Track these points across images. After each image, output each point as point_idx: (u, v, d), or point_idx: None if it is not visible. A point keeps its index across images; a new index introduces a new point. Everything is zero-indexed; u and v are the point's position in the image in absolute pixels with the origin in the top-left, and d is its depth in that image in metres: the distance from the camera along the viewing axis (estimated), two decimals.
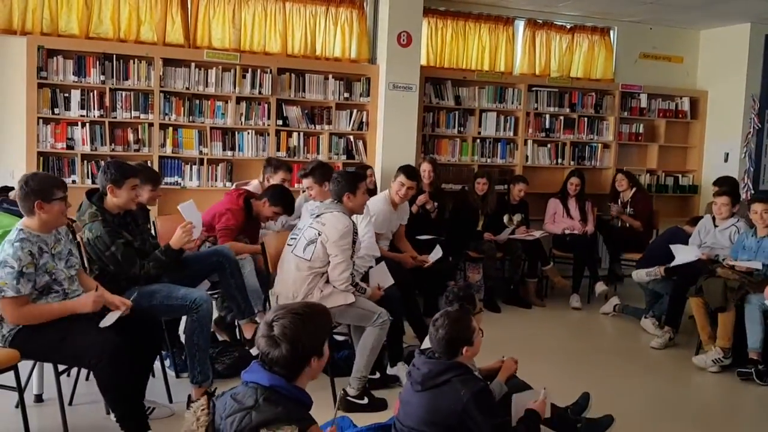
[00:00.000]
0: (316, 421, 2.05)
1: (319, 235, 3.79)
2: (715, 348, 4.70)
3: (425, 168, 5.98)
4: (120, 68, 5.67)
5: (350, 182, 3.90)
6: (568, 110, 7.27)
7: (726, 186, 5.64)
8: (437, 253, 5.15)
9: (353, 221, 3.90)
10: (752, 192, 7.32)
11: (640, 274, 5.53)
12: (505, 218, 6.36)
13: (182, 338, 3.91)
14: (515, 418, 2.87)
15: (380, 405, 3.78)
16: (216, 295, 4.41)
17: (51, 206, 3.02)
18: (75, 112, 5.60)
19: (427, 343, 2.83)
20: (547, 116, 7.19)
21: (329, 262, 3.76)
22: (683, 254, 5.21)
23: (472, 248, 6.11)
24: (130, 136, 5.77)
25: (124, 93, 5.71)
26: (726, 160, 7.60)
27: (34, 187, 3.02)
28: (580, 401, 3.61)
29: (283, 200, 4.59)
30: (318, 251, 3.78)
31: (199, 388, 3.55)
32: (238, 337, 4.50)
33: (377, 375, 4.09)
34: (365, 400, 3.78)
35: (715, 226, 5.36)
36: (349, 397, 3.77)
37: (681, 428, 3.82)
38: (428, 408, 2.64)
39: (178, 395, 3.79)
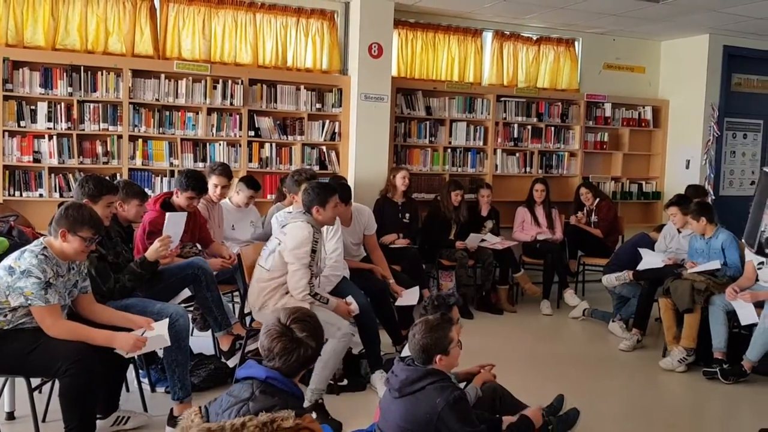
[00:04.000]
0: (310, 412, 2.11)
1: (279, 244, 3.84)
2: (678, 348, 4.86)
3: (403, 175, 6.03)
4: (88, 80, 5.61)
5: (320, 195, 3.90)
6: (535, 120, 7.41)
7: (674, 198, 5.75)
8: (413, 296, 4.89)
9: (321, 231, 3.93)
10: (713, 198, 7.54)
11: (609, 279, 5.68)
12: (488, 225, 6.50)
13: (159, 353, 3.89)
14: None
15: (334, 425, 3.67)
16: (191, 307, 4.39)
17: (73, 239, 3.00)
18: (42, 124, 5.51)
19: (407, 350, 2.87)
20: (516, 126, 7.31)
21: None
22: (650, 258, 5.41)
23: (444, 256, 6.20)
24: (99, 149, 5.71)
25: (92, 105, 5.65)
26: (687, 167, 7.82)
27: (70, 213, 3.01)
28: (554, 403, 3.68)
29: (190, 182, 4.35)
30: (277, 260, 3.83)
31: (181, 404, 3.53)
32: (214, 349, 4.48)
33: (345, 382, 4.13)
34: (313, 414, 3.70)
35: (679, 232, 5.58)
36: None
37: (650, 427, 3.92)
38: (405, 415, 2.67)
39: (154, 409, 3.76)
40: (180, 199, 4.39)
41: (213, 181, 4.81)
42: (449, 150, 7.03)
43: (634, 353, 5.26)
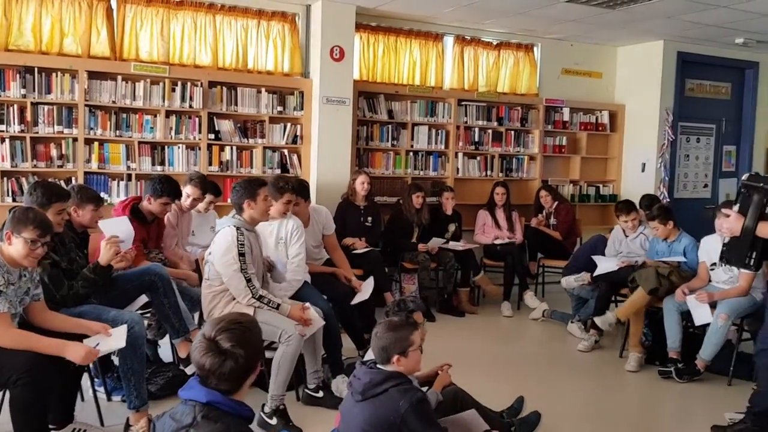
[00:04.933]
0: None
1: (210, 254, 3.83)
2: (635, 353, 5.00)
3: (363, 180, 6.04)
4: (42, 81, 5.47)
5: (249, 189, 3.84)
6: (496, 124, 7.49)
7: (621, 205, 5.88)
8: (368, 289, 4.98)
9: (254, 231, 3.88)
10: (668, 200, 7.71)
11: (569, 281, 5.78)
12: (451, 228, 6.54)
13: (115, 361, 3.82)
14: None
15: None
16: (147, 314, 4.31)
17: (17, 241, 2.91)
18: None
19: (370, 354, 2.87)
20: (476, 130, 7.38)
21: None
22: (604, 264, 5.53)
23: (407, 259, 6.22)
24: (53, 152, 5.57)
25: (46, 107, 5.51)
26: (643, 170, 7.99)
27: (15, 215, 2.93)
28: (515, 405, 3.74)
29: (165, 188, 4.32)
30: (211, 270, 3.81)
31: (137, 413, 3.47)
32: (172, 356, 4.41)
33: (321, 394, 4.07)
34: (274, 421, 3.69)
35: (626, 236, 5.74)
36: (262, 413, 3.71)
37: (607, 426, 3.99)
38: (368, 419, 2.66)
39: (110, 418, 3.69)
40: (153, 205, 4.34)
41: (187, 191, 4.74)
42: (411, 153, 7.06)
43: (593, 353, 5.35)
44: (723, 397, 4.41)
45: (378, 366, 2.77)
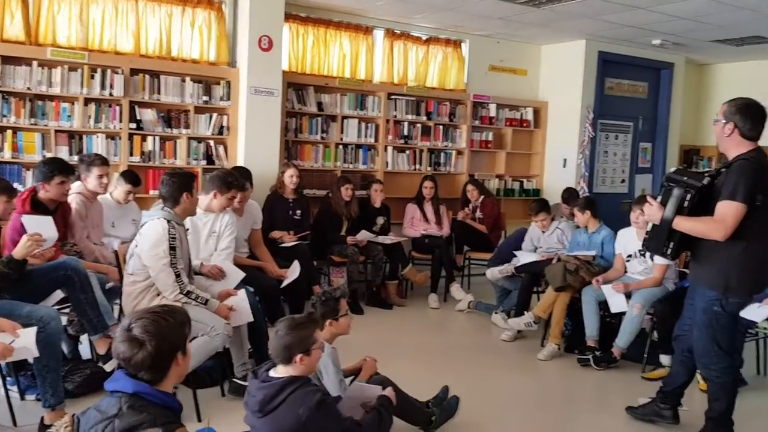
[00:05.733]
0: (183, 425, 1.98)
1: (136, 246, 3.70)
2: (552, 343, 5.16)
3: (291, 173, 5.98)
4: None
5: (187, 181, 3.78)
6: (424, 118, 7.57)
7: (533, 205, 6.06)
8: (295, 271, 5.10)
9: (183, 226, 3.80)
10: (587, 194, 7.98)
11: (493, 272, 5.92)
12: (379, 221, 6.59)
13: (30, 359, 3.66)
14: (354, 405, 2.98)
15: None
16: (65, 310, 4.15)
17: None
18: None
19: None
20: (406, 124, 7.43)
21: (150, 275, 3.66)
22: (525, 257, 5.74)
23: (335, 252, 6.21)
24: None
25: None
26: (564, 166, 8.26)
27: None
28: (440, 394, 3.80)
29: (55, 167, 4.12)
30: (137, 264, 3.68)
31: (53, 412, 3.33)
32: (91, 353, 4.26)
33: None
34: None
35: (543, 232, 5.95)
36: None
37: (528, 412, 4.12)
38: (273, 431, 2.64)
39: (23, 418, 3.53)
40: (50, 191, 4.10)
41: (96, 173, 4.54)
42: (341, 146, 7.05)
43: (515, 343, 5.50)
44: (637, 383, 4.61)
45: (271, 374, 2.73)
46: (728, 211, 3.16)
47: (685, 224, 3.29)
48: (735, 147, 3.31)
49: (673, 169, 3.50)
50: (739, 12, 6.23)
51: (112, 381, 2.00)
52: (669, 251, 3.38)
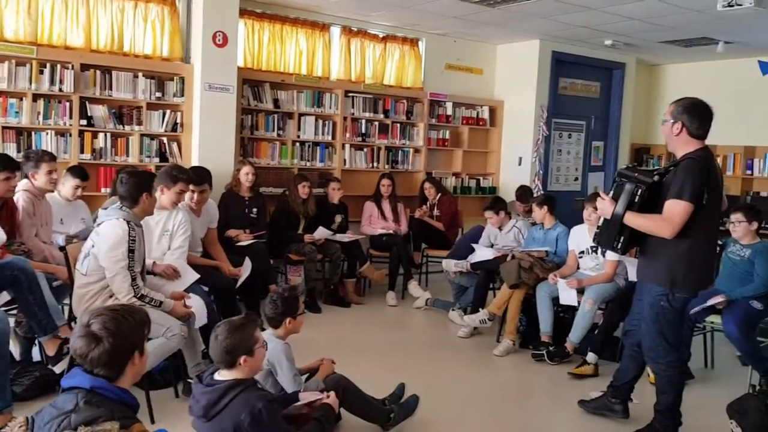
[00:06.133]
0: (140, 421, 1.98)
1: (93, 246, 3.60)
2: (507, 338, 5.22)
3: (247, 171, 5.92)
4: None
5: (147, 181, 3.70)
6: (382, 116, 7.57)
7: (487, 203, 6.18)
8: (246, 269, 5.10)
9: (141, 227, 3.72)
10: (542, 192, 8.11)
11: (449, 264, 5.98)
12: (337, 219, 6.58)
13: None
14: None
15: None
16: (12, 311, 4.03)
17: None
18: None
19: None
20: (363, 121, 7.43)
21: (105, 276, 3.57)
22: (481, 252, 5.82)
23: (293, 251, 6.17)
24: None
25: None
26: (520, 164, 8.37)
27: None
28: (396, 391, 3.82)
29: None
30: (92, 264, 3.58)
31: (1, 416, 3.22)
32: (40, 355, 4.16)
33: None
34: None
35: (500, 229, 6.02)
36: None
37: (484, 407, 4.17)
38: None
39: None
40: None
41: (45, 169, 4.42)
42: (298, 144, 7.00)
43: (471, 339, 5.56)
44: (590, 377, 4.69)
45: (215, 377, 2.70)
46: (675, 210, 3.24)
47: (634, 220, 3.37)
48: (683, 146, 3.39)
49: (624, 166, 3.57)
50: (688, 14, 6.40)
51: (68, 378, 2.00)
52: (619, 246, 3.46)
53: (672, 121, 3.39)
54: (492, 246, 5.99)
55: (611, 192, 3.48)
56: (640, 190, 3.35)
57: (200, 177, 4.98)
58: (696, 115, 3.36)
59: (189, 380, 3.95)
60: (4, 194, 4.04)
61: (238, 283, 4.95)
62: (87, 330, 1.96)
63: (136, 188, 3.63)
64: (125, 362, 2.00)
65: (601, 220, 3.56)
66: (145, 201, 3.66)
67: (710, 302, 4.44)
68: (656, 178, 3.39)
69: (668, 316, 3.44)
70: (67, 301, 4.08)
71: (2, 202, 4.09)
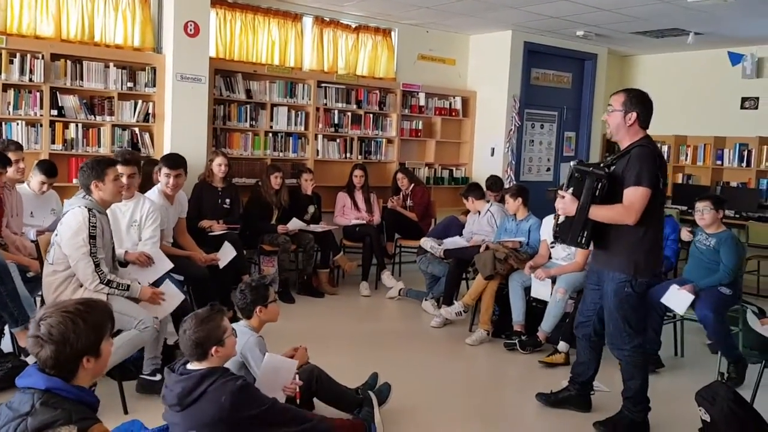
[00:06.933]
0: (100, 420, 1.95)
1: (56, 235, 3.62)
2: (481, 329, 5.30)
3: (219, 162, 5.91)
4: None
5: (97, 170, 3.64)
6: (355, 107, 7.59)
7: (467, 191, 6.27)
8: (229, 252, 5.16)
9: (106, 215, 3.72)
10: (514, 182, 8.20)
11: (427, 242, 6.05)
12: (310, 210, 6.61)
13: None
14: (269, 380, 3.00)
15: None
16: None
17: None
18: None
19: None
20: (336, 112, 7.44)
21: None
22: (453, 244, 5.90)
23: (266, 241, 6.19)
24: None
25: None
26: (492, 155, 8.44)
27: None
28: (369, 381, 3.87)
29: None
30: (57, 253, 3.59)
31: None
32: (12, 346, 4.13)
33: (158, 377, 3.88)
34: None
35: (478, 213, 6.11)
36: None
37: (457, 396, 4.25)
38: (195, 425, 2.63)
39: None
40: None
41: (12, 158, 4.36)
42: (270, 134, 6.99)
43: (444, 329, 5.63)
44: (561, 366, 4.76)
45: (188, 367, 2.72)
46: (636, 197, 3.36)
47: (599, 212, 3.45)
48: (632, 135, 3.51)
49: (574, 162, 3.64)
50: (659, 4, 6.48)
51: (23, 377, 1.94)
52: (583, 240, 3.53)
53: (624, 111, 3.49)
54: (470, 233, 6.03)
55: (570, 189, 3.52)
56: (600, 184, 3.43)
57: (175, 161, 4.95)
58: (647, 105, 3.50)
59: (143, 376, 3.91)
60: None
61: (222, 265, 5.04)
62: (36, 329, 1.90)
63: (86, 178, 3.62)
64: (74, 367, 1.94)
65: (560, 218, 3.60)
66: (95, 189, 3.62)
67: (682, 290, 4.56)
68: (608, 169, 3.49)
69: (632, 302, 3.54)
70: (40, 292, 4.05)
71: None
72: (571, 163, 3.62)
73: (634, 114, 3.46)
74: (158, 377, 3.87)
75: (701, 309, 4.52)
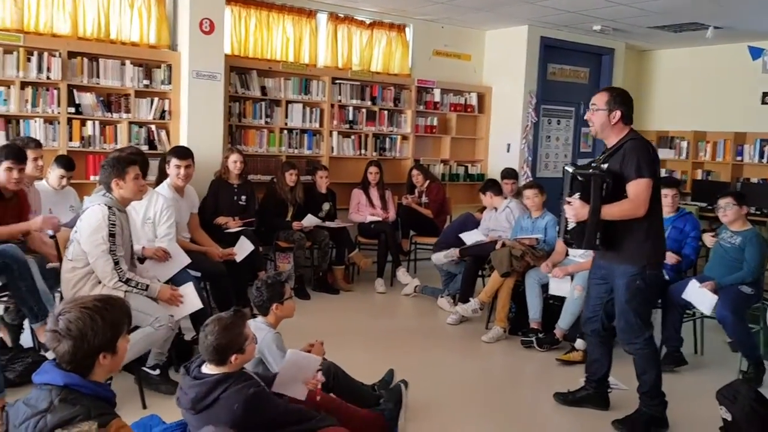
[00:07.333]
0: (118, 415, 1.95)
1: (76, 232, 3.65)
2: (498, 326, 5.27)
3: (235, 159, 5.92)
4: None
5: (118, 168, 3.66)
6: (369, 103, 7.56)
7: (486, 186, 6.20)
8: (246, 246, 5.17)
9: (125, 213, 3.74)
10: (530, 179, 8.16)
11: (438, 257, 6.01)
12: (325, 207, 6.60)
13: None
14: (291, 375, 2.98)
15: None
16: (3, 298, 4.04)
17: None
18: None
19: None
20: (351, 108, 7.42)
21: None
22: (470, 238, 5.87)
23: (281, 238, 6.20)
24: None
25: None
26: (508, 151, 8.39)
27: None
28: (386, 378, 3.87)
29: (2, 151, 3.99)
30: (77, 250, 3.63)
31: None
32: (33, 342, 4.17)
33: (157, 372, 3.90)
34: None
35: (495, 209, 6.06)
36: None
37: (474, 393, 4.23)
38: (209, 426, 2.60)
39: None
40: None
41: (30, 156, 4.39)
42: (285, 131, 7.00)
43: (460, 326, 5.60)
44: (578, 363, 4.69)
45: (203, 370, 2.69)
46: (640, 188, 3.41)
47: (611, 211, 3.45)
48: (618, 132, 3.58)
49: (570, 167, 3.62)
50: None
51: (40, 373, 1.95)
52: (599, 241, 3.51)
53: (608, 109, 3.55)
54: (487, 230, 5.99)
55: (577, 193, 3.49)
56: (605, 183, 3.44)
57: (185, 152, 5.06)
58: (629, 102, 3.59)
59: (144, 368, 3.88)
60: (8, 184, 4.00)
61: (239, 259, 5.11)
62: (54, 324, 1.91)
63: (107, 176, 3.65)
64: (90, 363, 1.94)
65: (570, 224, 3.56)
66: (116, 187, 3.65)
67: (703, 286, 4.51)
68: (604, 167, 3.51)
69: (644, 294, 3.58)
70: (59, 288, 4.08)
71: (12, 194, 4.08)
72: (567, 167, 3.62)
73: (619, 112, 3.54)
74: (157, 372, 3.89)
75: (720, 309, 4.46)
